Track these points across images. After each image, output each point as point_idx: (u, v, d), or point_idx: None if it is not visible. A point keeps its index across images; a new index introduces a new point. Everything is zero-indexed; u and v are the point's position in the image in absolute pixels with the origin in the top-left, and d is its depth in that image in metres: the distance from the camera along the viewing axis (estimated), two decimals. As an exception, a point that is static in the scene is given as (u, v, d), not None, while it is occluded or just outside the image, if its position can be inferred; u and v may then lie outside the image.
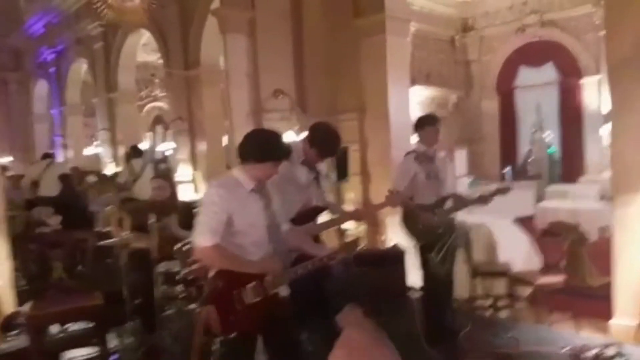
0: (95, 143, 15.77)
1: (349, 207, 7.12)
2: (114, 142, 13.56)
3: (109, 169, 12.85)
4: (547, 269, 4.85)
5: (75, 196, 7.11)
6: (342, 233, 5.48)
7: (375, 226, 6.96)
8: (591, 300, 4.91)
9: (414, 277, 5.09)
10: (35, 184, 7.44)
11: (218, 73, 10.06)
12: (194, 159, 10.57)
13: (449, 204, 4.15)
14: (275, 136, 2.76)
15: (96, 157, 15.41)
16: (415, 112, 9.99)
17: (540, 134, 13.56)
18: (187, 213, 4.87)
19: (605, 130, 10.91)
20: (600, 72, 11.36)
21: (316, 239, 3.41)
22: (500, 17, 13.23)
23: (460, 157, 12.10)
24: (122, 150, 11.97)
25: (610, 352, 3.34)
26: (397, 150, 7.00)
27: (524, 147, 13.75)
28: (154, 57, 14.73)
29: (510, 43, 13.40)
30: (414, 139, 8.74)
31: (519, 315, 4.87)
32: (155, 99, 18.30)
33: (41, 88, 17.71)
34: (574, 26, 12.13)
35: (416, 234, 4.15)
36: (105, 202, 8.44)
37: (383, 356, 0.80)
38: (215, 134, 10.10)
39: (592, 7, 11.36)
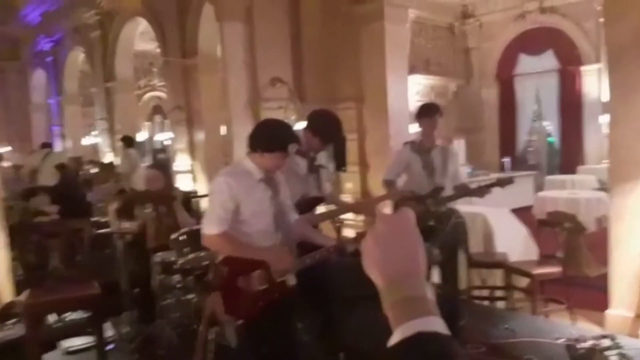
0: (93, 133, 15.72)
1: (347, 197, 7.13)
2: (112, 132, 13.52)
3: (107, 159, 12.83)
4: (544, 259, 4.84)
5: (73, 186, 7.10)
6: (339, 225, 5.45)
7: (373, 218, 6.96)
8: (588, 290, 4.92)
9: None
10: (34, 174, 7.42)
11: (216, 62, 9.99)
12: (192, 149, 10.54)
13: (447, 193, 4.14)
14: (285, 126, 2.81)
15: (94, 147, 15.39)
16: (414, 101, 9.98)
17: (540, 123, 13.53)
18: (185, 202, 4.86)
19: (605, 119, 10.88)
20: (601, 60, 11.30)
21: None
22: (500, 3, 13.14)
23: (459, 147, 12.08)
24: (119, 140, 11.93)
25: (605, 343, 3.34)
26: (395, 139, 6.98)
27: (523, 136, 13.72)
28: (152, 46, 14.62)
29: (510, 30, 13.33)
30: (413, 128, 8.77)
31: (516, 306, 4.87)
32: (154, 89, 18.22)
33: (39, 77, 17.63)
34: (574, 12, 12.06)
35: None
36: (103, 192, 8.45)
37: (418, 259, 0.79)
38: (214, 123, 10.05)
39: (593, -7, 11.30)
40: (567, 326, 4.22)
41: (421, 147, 4.17)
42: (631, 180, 4.21)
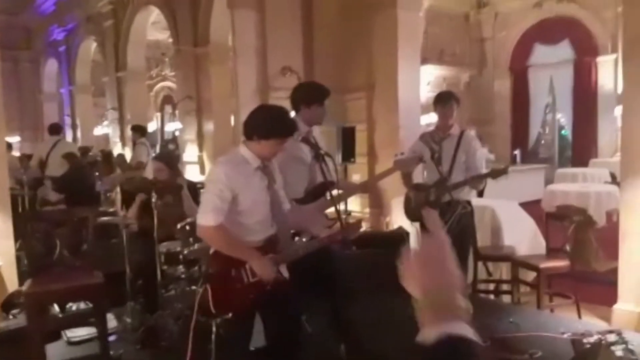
0: (104, 123, 15.81)
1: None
2: (122, 122, 13.58)
3: (117, 149, 12.89)
4: (551, 253, 4.76)
5: (81, 175, 7.11)
6: (345, 217, 5.41)
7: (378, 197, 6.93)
8: (596, 285, 4.85)
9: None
10: (43, 163, 7.45)
11: (227, 51, 9.96)
12: (201, 140, 10.55)
13: (454, 180, 4.06)
14: (280, 112, 2.69)
15: (105, 137, 15.48)
16: (425, 92, 9.87)
17: (553, 115, 13.35)
18: (192, 192, 4.84)
19: (620, 111, 10.69)
20: (618, 51, 11.09)
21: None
22: (517, -9, 12.94)
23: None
24: (130, 130, 12.00)
25: (611, 338, 3.28)
26: (405, 131, 6.90)
27: (535, 128, 13.55)
28: (164, 36, 14.65)
29: (526, 19, 13.14)
30: (425, 119, 8.66)
31: (522, 300, 4.81)
32: (165, 79, 18.27)
33: (51, 67, 17.77)
34: (592, 2, 11.84)
35: (408, 212, 4.16)
36: (111, 182, 8.48)
37: (452, 274, 0.88)
38: (223, 113, 10.04)
39: (612, -18, 11.07)
40: (573, 321, 4.17)
41: (433, 137, 4.09)
42: (642, 173, 4.11)
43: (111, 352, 3.82)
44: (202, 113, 10.47)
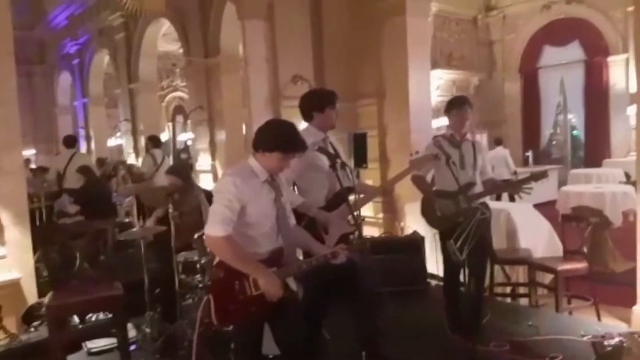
0: (117, 134, 15.97)
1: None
2: (135, 133, 13.71)
3: (130, 160, 13.01)
4: (569, 255, 4.73)
5: (98, 187, 7.20)
6: (360, 222, 5.42)
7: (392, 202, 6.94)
8: (614, 286, 4.82)
9: (433, 264, 5.06)
10: (60, 176, 7.54)
11: (237, 61, 10.05)
12: (213, 149, 10.63)
13: (477, 189, 4.01)
14: (288, 127, 2.69)
15: (118, 148, 15.63)
16: (435, 96, 9.88)
17: (564, 116, 13.29)
18: (209, 202, 4.88)
19: (633, 110, 10.62)
20: (628, 51, 11.03)
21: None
22: (525, -6, 12.92)
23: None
24: (143, 141, 12.12)
25: (632, 340, 3.26)
26: (417, 135, 6.92)
27: (547, 129, 13.48)
28: (174, 47, 14.80)
29: (535, 21, 13.11)
30: (435, 123, 8.67)
31: (539, 303, 4.79)
32: (176, 89, 18.44)
33: (64, 80, 17.98)
34: (601, 2, 11.80)
35: (433, 222, 4.08)
36: (127, 193, 8.57)
37: None
38: (235, 123, 10.11)
39: (620, -18, 11.04)
40: (592, 323, 4.15)
41: (451, 142, 4.04)
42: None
43: (131, 362, 3.86)
44: (214, 122, 10.54)
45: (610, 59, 11.93)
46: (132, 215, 8.49)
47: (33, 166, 11.14)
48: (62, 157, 7.85)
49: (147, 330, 4.33)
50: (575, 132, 13.52)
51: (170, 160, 8.81)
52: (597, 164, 11.60)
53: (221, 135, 10.32)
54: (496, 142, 11.09)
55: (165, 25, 12.42)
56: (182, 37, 11.36)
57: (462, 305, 4.08)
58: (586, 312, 4.47)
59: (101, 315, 4.65)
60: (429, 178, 4.30)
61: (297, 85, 7.69)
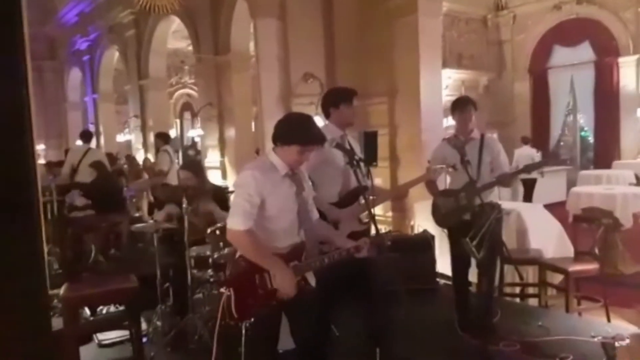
0: (126, 130, 16.05)
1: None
2: (144, 129, 13.78)
3: (140, 156, 13.08)
4: (579, 256, 4.73)
5: (109, 182, 7.25)
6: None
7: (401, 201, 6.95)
8: (625, 288, 4.81)
9: (444, 263, 5.07)
10: (73, 171, 7.62)
11: (248, 59, 10.10)
12: (222, 145, 10.67)
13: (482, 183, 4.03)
14: (306, 120, 2.70)
15: (127, 144, 15.71)
16: (444, 95, 9.87)
17: (574, 116, 13.24)
18: (220, 197, 4.91)
19: (643, 112, 10.59)
20: (639, 51, 10.99)
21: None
22: (535, -7, 12.88)
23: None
24: (152, 137, 12.18)
25: (643, 341, 3.26)
26: (428, 134, 6.93)
27: (556, 130, 13.44)
28: (184, 44, 14.86)
29: (545, 21, 13.06)
30: (446, 122, 8.67)
31: (549, 303, 4.79)
32: (184, 86, 18.51)
33: (75, 76, 18.10)
34: (612, 2, 11.76)
35: (439, 220, 4.15)
36: (138, 188, 8.62)
37: None
38: (244, 120, 10.16)
39: (632, -18, 11.01)
40: (602, 324, 4.14)
41: (456, 142, 4.08)
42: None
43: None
44: (224, 119, 10.59)
45: (620, 59, 11.88)
46: (141, 209, 8.54)
47: (42, 161, 11.20)
48: (76, 152, 7.92)
49: (158, 323, 4.37)
50: (583, 133, 13.47)
51: (179, 157, 8.86)
52: (606, 165, 11.56)
53: (230, 132, 10.37)
54: (523, 140, 11.11)
55: (176, 22, 12.47)
56: (193, 34, 11.41)
57: (473, 305, 4.10)
58: (596, 314, 4.47)
59: (112, 308, 4.70)
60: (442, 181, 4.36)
61: (308, 83, 7.74)
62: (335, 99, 3.45)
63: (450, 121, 9.51)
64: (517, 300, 5.11)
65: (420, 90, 7.08)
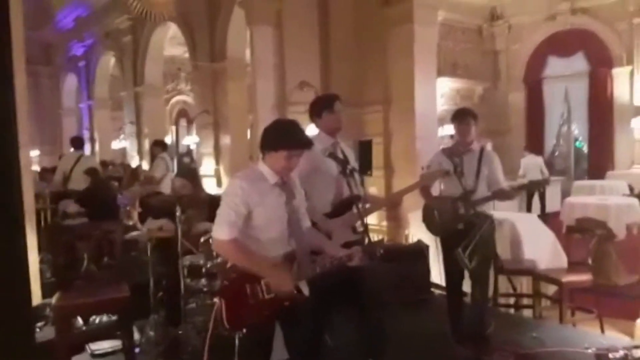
0: (121, 136, 16.01)
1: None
2: (140, 136, 13.75)
3: (134, 163, 13.05)
4: (573, 266, 4.73)
5: (103, 189, 7.23)
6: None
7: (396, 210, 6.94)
8: (619, 299, 4.81)
9: (438, 273, 5.06)
10: (66, 178, 7.57)
11: (244, 66, 10.11)
12: (217, 153, 10.66)
13: (478, 196, 4.04)
14: (290, 125, 2.69)
15: (123, 151, 15.66)
16: (439, 105, 9.92)
17: (568, 127, 13.30)
18: (214, 206, 4.89)
19: (637, 122, 10.65)
20: (633, 62, 11.07)
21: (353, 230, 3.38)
22: (530, 4, 12.96)
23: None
24: (147, 144, 12.16)
25: (637, 354, 3.26)
26: (422, 143, 6.95)
27: (550, 140, 13.50)
28: (180, 51, 14.86)
29: (540, 32, 13.15)
30: (441, 132, 8.70)
31: (543, 314, 4.79)
32: (180, 93, 18.50)
33: (70, 82, 18.06)
34: (606, 14, 11.84)
35: (432, 228, 4.14)
36: (132, 196, 8.57)
37: None
38: (240, 127, 10.16)
39: (626, -6, 11.09)
40: (596, 335, 4.14)
41: (454, 152, 4.10)
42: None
43: (135, 365, 3.87)
44: (219, 127, 10.59)
45: (614, 70, 11.95)
46: (132, 218, 8.49)
47: (36, 167, 11.15)
48: (69, 159, 7.87)
49: (151, 333, 4.33)
50: (578, 144, 13.52)
51: (174, 164, 8.82)
52: (600, 175, 11.60)
53: (226, 140, 10.36)
54: (526, 148, 11.20)
55: (172, 29, 12.50)
56: (189, 41, 11.43)
57: (466, 315, 4.09)
58: (590, 325, 4.47)
59: (104, 318, 4.66)
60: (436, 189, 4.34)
61: (303, 91, 7.74)
62: (317, 109, 3.45)
63: (445, 130, 9.61)
64: (511, 311, 5.10)
65: (415, 99, 7.11)
